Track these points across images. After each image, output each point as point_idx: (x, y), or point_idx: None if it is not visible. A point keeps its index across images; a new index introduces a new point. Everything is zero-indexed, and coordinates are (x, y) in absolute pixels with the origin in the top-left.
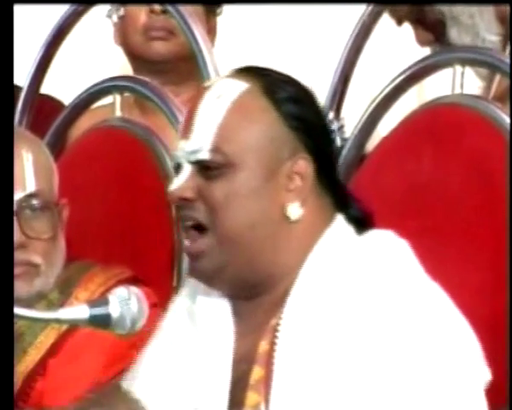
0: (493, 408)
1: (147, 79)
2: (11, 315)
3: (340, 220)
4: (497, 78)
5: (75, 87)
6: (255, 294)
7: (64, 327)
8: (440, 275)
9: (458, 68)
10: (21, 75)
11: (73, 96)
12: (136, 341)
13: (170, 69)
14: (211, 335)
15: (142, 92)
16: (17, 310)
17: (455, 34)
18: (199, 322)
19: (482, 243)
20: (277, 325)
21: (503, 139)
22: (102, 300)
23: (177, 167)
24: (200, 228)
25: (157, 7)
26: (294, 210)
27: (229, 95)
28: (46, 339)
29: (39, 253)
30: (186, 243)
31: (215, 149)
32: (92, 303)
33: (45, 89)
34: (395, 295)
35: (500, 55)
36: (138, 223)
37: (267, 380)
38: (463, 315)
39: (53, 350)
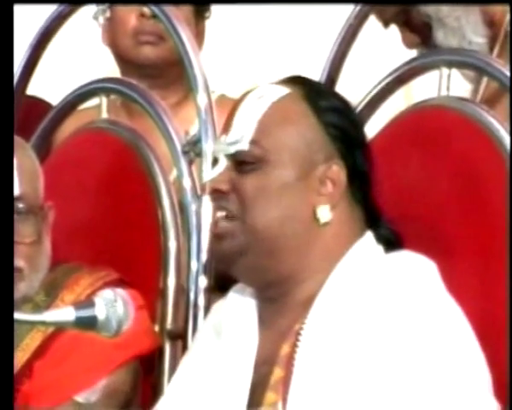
0: None
1: (134, 81)
2: (11, 319)
3: (369, 236)
4: (485, 80)
5: (62, 89)
6: (278, 294)
7: (50, 330)
8: None
9: (445, 71)
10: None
11: (60, 97)
12: (121, 343)
13: (158, 74)
14: (236, 340)
15: (128, 95)
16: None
17: (441, 36)
18: (224, 330)
19: (469, 245)
20: (300, 329)
21: (489, 141)
22: (88, 302)
23: (215, 161)
24: (230, 217)
25: (147, 10)
26: (324, 213)
27: (271, 96)
28: (32, 341)
29: (23, 257)
30: (214, 228)
31: (254, 142)
32: (78, 305)
33: (32, 90)
34: (416, 314)
35: (486, 57)
36: (125, 225)
37: (286, 380)
38: None
39: (39, 352)
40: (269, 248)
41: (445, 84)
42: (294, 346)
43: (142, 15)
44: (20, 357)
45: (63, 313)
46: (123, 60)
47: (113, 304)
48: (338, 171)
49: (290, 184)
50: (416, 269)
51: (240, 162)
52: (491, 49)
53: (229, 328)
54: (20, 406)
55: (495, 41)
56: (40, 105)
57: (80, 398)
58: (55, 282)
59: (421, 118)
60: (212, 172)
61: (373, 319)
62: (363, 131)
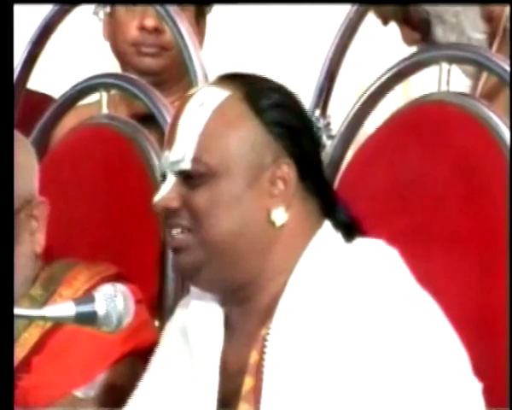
0: None
1: (134, 76)
2: (11, 316)
3: (327, 226)
4: (484, 76)
5: (63, 84)
6: (242, 299)
7: (48, 325)
8: (427, 272)
9: (445, 66)
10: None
11: (61, 92)
12: (120, 337)
13: (160, 78)
14: (201, 346)
15: (129, 90)
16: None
17: (440, 33)
18: (190, 335)
19: (469, 238)
20: (266, 334)
21: (489, 137)
22: (88, 297)
23: (164, 177)
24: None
25: (149, 23)
26: (279, 215)
27: (211, 103)
28: (30, 337)
29: None
30: (170, 242)
31: (196, 160)
32: (78, 301)
33: (33, 85)
34: (384, 305)
35: (487, 52)
36: (124, 221)
37: (257, 390)
38: (447, 310)
39: (37, 348)
40: (227, 260)
41: (444, 80)
42: (262, 353)
43: (143, 28)
44: (18, 352)
45: (63, 308)
46: (123, 62)
47: (113, 299)
48: (287, 169)
49: (241, 193)
50: (379, 257)
51: (188, 177)
52: (490, 44)
53: (194, 332)
54: (19, 401)
55: (494, 37)
56: (41, 99)
57: (79, 393)
58: (51, 277)
59: (421, 113)
60: (161, 190)
61: (338, 316)
62: (308, 120)
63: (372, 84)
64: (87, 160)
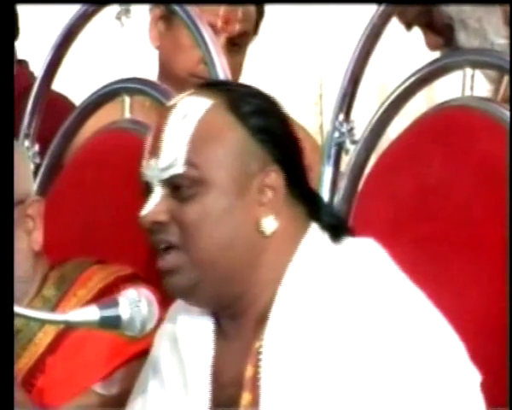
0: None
1: (157, 82)
2: (11, 316)
3: (314, 229)
4: (505, 80)
5: (86, 88)
6: (236, 312)
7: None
8: (450, 278)
9: (468, 71)
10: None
11: (84, 96)
12: None
13: None
14: (191, 355)
15: (151, 95)
16: (27, 312)
17: (463, 38)
18: (180, 345)
19: (492, 246)
20: (260, 347)
21: None
22: (112, 301)
23: (147, 188)
24: (172, 248)
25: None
26: (269, 224)
27: (195, 114)
28: (45, 336)
29: None
30: (159, 261)
31: (189, 163)
32: (102, 305)
33: (57, 89)
34: (376, 304)
35: (510, 57)
36: None
37: (255, 404)
38: (469, 317)
39: (52, 347)
40: (220, 275)
41: (468, 85)
42: (257, 366)
43: (205, 63)
44: (34, 352)
45: (87, 312)
46: (168, 74)
47: (137, 304)
48: (275, 177)
49: (230, 204)
50: (367, 257)
51: (176, 187)
52: None
53: (184, 340)
54: (35, 401)
55: None
56: (64, 103)
57: (100, 390)
58: (64, 277)
59: (446, 118)
60: (147, 204)
61: (331, 321)
62: (290, 125)
63: (396, 89)
64: (109, 164)
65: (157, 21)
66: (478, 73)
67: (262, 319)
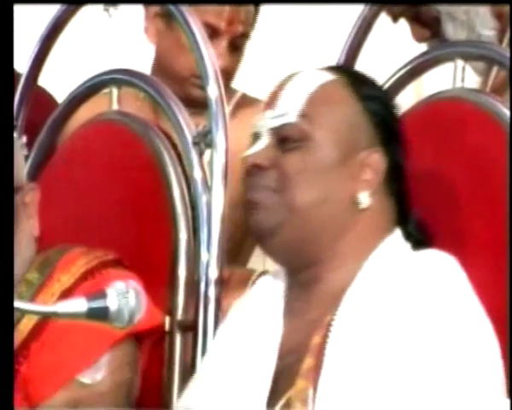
0: None
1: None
2: (11, 308)
3: (398, 233)
4: (494, 72)
5: (72, 81)
6: (309, 281)
7: None
8: None
9: (459, 63)
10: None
11: (70, 90)
12: None
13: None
14: (260, 327)
15: (139, 86)
16: (16, 304)
17: (450, 30)
18: (249, 320)
19: (483, 237)
20: (331, 320)
21: (504, 133)
22: (100, 293)
23: (255, 138)
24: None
25: (221, 63)
26: (364, 198)
27: (318, 80)
28: (28, 321)
29: None
30: (249, 193)
31: (303, 115)
32: (90, 296)
33: (42, 83)
34: (441, 314)
35: (500, 48)
36: (135, 217)
37: (317, 369)
38: None
39: (35, 332)
40: (305, 228)
41: (459, 77)
42: (325, 337)
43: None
44: (19, 338)
45: (75, 304)
46: (163, 71)
47: (125, 295)
48: (378, 159)
49: (332, 166)
50: (444, 268)
51: (283, 139)
52: (500, 41)
53: (254, 315)
54: (20, 387)
55: (503, 33)
56: (49, 98)
57: (85, 378)
58: (47, 261)
59: (437, 109)
60: (252, 147)
61: (400, 315)
62: (401, 125)
63: (386, 82)
64: (97, 156)
65: (154, 18)
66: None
67: (335, 296)
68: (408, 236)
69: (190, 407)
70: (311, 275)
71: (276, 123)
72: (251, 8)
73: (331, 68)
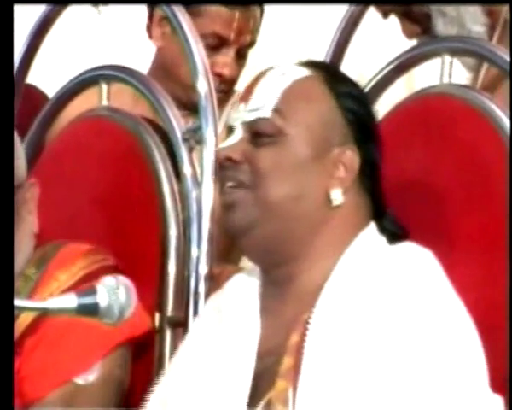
0: None
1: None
2: (11, 308)
3: (373, 227)
4: (484, 68)
5: (61, 77)
6: (284, 278)
7: None
8: None
9: (447, 58)
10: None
11: (59, 86)
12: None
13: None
14: (236, 330)
15: (129, 82)
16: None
17: (441, 26)
18: (225, 319)
19: (472, 232)
20: (309, 318)
21: (491, 128)
22: (90, 289)
23: (229, 131)
24: (239, 187)
25: (226, 72)
26: (337, 196)
27: (293, 75)
28: (25, 317)
29: None
30: (223, 196)
31: (277, 110)
32: (80, 292)
33: (31, 80)
34: (418, 308)
35: (488, 44)
36: (125, 213)
37: (296, 368)
38: None
39: (30, 329)
40: (279, 225)
41: (447, 72)
42: (303, 335)
43: (219, 75)
44: (15, 332)
45: (65, 300)
46: (169, 79)
47: (115, 291)
48: (352, 156)
49: (305, 163)
50: (420, 262)
51: (257, 134)
52: (490, 37)
53: (229, 315)
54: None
55: (494, 29)
56: (38, 94)
57: (79, 379)
58: (43, 256)
59: (424, 105)
60: (226, 141)
61: (377, 311)
62: (377, 124)
63: (374, 77)
64: (87, 152)
65: (161, 21)
66: (455, 61)
67: (311, 293)
68: (382, 230)
69: (166, 401)
70: (285, 273)
71: (250, 117)
72: (257, 13)
73: (308, 64)
